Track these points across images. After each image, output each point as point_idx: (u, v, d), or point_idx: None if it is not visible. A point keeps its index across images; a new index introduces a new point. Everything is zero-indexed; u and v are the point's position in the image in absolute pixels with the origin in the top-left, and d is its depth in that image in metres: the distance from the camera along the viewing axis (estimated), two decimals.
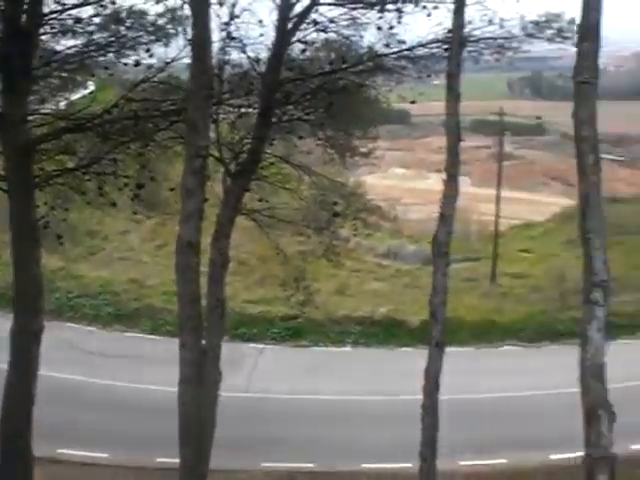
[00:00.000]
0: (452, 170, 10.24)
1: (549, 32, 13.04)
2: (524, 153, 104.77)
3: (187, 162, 10.64)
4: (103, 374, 23.11)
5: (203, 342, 11.64)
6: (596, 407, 6.92)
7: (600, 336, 7.02)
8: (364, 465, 19.39)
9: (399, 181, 57.67)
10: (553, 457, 19.35)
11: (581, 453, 7.30)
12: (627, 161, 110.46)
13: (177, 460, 11.33)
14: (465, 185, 46.19)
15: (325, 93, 13.39)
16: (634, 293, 30.82)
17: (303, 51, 12.94)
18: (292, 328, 27.81)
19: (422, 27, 12.73)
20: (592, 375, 6.95)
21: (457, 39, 10.28)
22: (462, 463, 19.22)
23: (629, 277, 32.40)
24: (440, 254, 10.31)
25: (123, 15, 12.98)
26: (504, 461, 19.66)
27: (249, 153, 13.17)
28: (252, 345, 25.79)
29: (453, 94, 10.30)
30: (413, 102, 12.84)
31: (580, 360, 7.09)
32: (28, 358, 13.55)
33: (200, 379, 11.16)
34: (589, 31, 7.35)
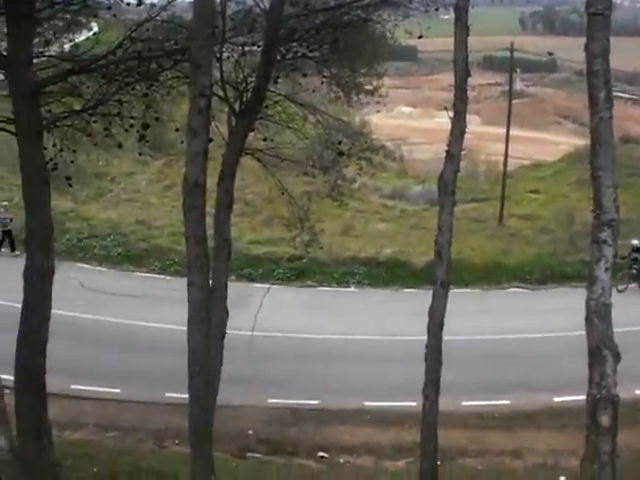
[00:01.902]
0: (460, 107, 10.05)
1: None
2: (535, 91, 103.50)
3: (192, 102, 10.59)
4: (113, 313, 23.42)
5: (210, 282, 11.73)
6: (600, 347, 6.91)
7: (607, 276, 6.98)
8: (367, 403, 19.56)
9: (406, 120, 57.06)
10: (556, 399, 19.43)
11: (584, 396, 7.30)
12: None
13: (186, 395, 11.55)
14: (474, 124, 45.84)
15: (330, 29, 13.15)
16: None
17: None
18: (297, 269, 27.98)
19: None
20: (597, 315, 6.92)
21: None
22: (464, 403, 19.34)
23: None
24: (446, 193, 10.22)
25: None
26: (507, 402, 19.75)
27: (253, 92, 13.03)
28: (258, 285, 25.88)
29: (461, 27, 10.08)
30: (420, 37, 12.54)
31: (586, 300, 7.06)
32: (41, 297, 13.78)
33: (208, 317, 11.28)
34: None
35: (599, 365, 6.94)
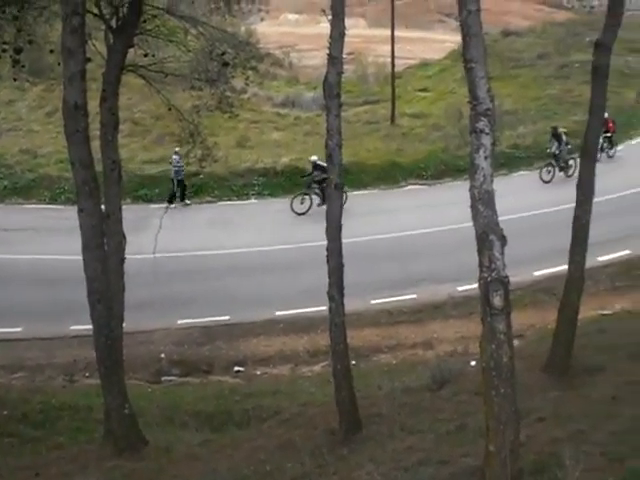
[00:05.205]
0: (338, 8, 10.01)
1: None
2: None
3: (64, 21, 10.22)
4: (6, 249, 22.51)
5: (103, 206, 11.52)
6: (487, 232, 7.15)
7: (488, 164, 7.18)
8: (278, 313, 19.76)
9: (293, 27, 56.07)
10: (460, 289, 20.00)
11: None
12: None
13: (91, 326, 11.41)
14: (360, 27, 45.49)
15: None
16: (531, 125, 31.54)
17: None
18: (195, 185, 27.66)
19: None
20: (482, 202, 7.14)
21: None
22: (373, 302, 19.85)
23: (526, 110, 33.09)
24: (331, 96, 10.24)
25: None
26: (414, 296, 20.32)
27: (129, 6, 12.58)
28: (155, 206, 25.51)
29: None
30: None
31: (470, 188, 7.27)
32: None
33: (102, 243, 11.12)
34: None
35: (487, 249, 7.18)
